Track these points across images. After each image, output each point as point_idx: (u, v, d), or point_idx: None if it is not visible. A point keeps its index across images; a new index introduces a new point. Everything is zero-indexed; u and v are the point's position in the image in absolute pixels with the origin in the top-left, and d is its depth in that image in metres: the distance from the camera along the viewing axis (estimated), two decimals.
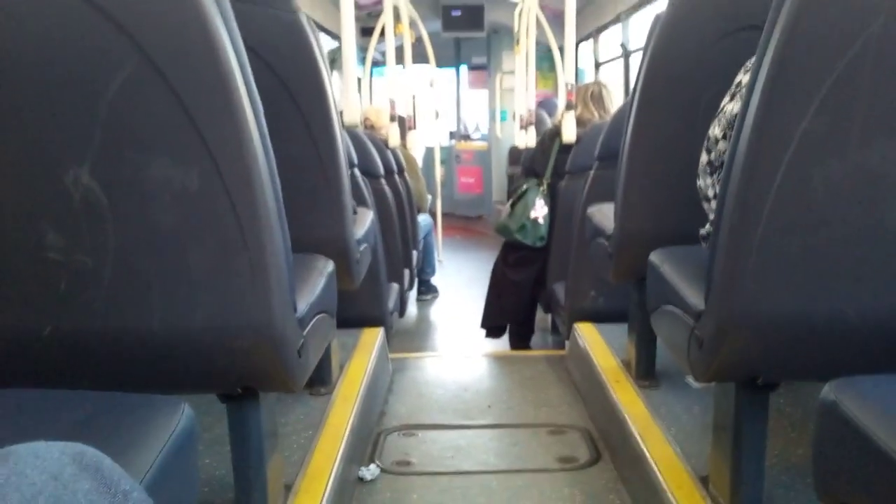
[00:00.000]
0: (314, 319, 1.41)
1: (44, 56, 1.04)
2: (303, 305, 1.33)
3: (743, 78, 1.45)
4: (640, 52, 1.94)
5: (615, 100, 3.53)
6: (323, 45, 1.92)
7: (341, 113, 2.28)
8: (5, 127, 1.06)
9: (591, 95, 3.50)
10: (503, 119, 8.82)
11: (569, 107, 3.30)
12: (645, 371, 2.15)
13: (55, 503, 0.46)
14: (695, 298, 1.35)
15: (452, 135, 9.81)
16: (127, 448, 0.82)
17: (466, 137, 9.72)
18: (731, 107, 1.46)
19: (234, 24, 1.10)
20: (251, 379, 1.30)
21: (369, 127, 4.53)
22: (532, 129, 5.34)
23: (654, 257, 1.65)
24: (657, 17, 1.85)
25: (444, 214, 6.46)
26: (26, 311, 1.13)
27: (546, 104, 6.22)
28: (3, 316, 1.13)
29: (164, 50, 1.04)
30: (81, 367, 1.18)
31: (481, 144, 9.46)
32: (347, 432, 1.86)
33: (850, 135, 1.11)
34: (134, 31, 1.02)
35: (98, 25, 1.02)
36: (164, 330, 1.14)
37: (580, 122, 3.37)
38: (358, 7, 5.47)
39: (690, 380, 2.06)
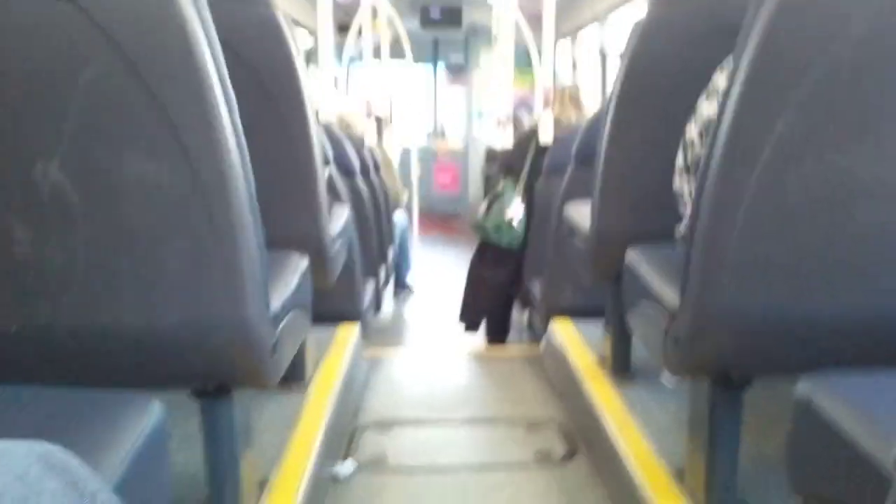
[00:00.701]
0: (288, 316, 1.39)
1: (14, 48, 1.02)
2: (276, 302, 1.32)
3: (718, 78, 1.46)
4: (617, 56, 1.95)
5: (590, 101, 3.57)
6: (301, 40, 1.90)
7: (317, 112, 2.27)
8: None
9: (569, 97, 3.52)
10: (479, 117, 8.84)
11: (545, 106, 3.32)
12: (621, 367, 2.16)
13: None
14: (670, 296, 1.36)
15: (430, 135, 9.80)
16: (96, 447, 0.80)
17: (442, 134, 9.71)
18: (706, 107, 1.47)
19: (209, 19, 1.09)
20: (224, 375, 1.28)
21: (345, 125, 4.51)
22: (509, 129, 5.35)
23: (631, 255, 1.66)
24: (637, 23, 1.87)
25: (420, 213, 6.44)
26: None
27: (525, 104, 6.24)
28: None
29: (138, 44, 1.03)
30: (50, 363, 1.16)
31: (459, 143, 9.46)
32: (323, 429, 1.85)
33: (825, 137, 1.12)
34: (107, 25, 1.01)
35: (70, 18, 1.00)
36: (135, 326, 1.12)
37: (557, 123, 3.39)
38: (335, 4, 5.43)
39: (665, 380, 2.08)
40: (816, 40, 1.08)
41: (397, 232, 4.68)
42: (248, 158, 1.16)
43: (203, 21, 1.07)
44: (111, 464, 0.78)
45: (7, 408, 0.91)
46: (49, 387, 0.97)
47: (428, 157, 9.18)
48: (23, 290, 1.09)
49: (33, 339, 1.12)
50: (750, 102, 1.12)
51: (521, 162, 3.48)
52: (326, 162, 2.48)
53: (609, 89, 2.08)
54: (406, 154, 6.17)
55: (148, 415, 0.89)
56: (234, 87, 1.14)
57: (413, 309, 4.94)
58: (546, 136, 3.28)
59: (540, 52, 4.22)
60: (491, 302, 3.57)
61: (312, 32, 6.12)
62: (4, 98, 1.04)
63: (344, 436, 2.12)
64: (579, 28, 6.24)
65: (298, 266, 1.60)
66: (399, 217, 4.81)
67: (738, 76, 1.13)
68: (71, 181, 1.05)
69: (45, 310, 1.10)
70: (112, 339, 1.14)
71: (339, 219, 2.21)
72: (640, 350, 2.12)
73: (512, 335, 3.67)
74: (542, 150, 3.36)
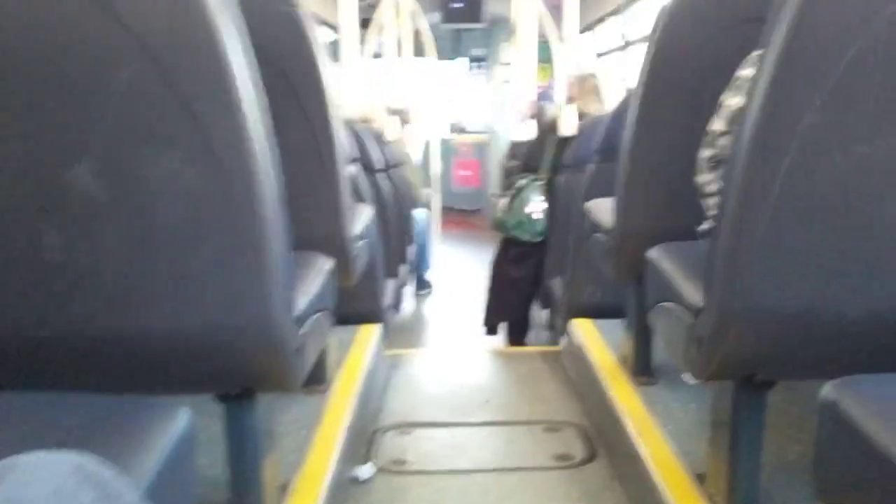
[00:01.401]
0: (312, 318, 1.40)
1: (46, 53, 1.03)
2: (301, 304, 1.33)
3: (742, 73, 1.45)
4: (641, 44, 1.93)
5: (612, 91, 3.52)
6: (322, 36, 1.90)
7: (340, 107, 2.27)
8: (5, 124, 1.05)
9: (590, 87, 3.47)
10: (502, 110, 8.80)
11: (570, 99, 3.28)
12: (642, 368, 2.15)
13: None
14: (694, 295, 1.35)
15: (452, 127, 9.78)
16: (126, 454, 0.81)
17: (463, 130, 9.69)
18: (731, 101, 1.46)
19: (241, 19, 1.09)
20: (249, 379, 1.29)
21: (366, 120, 4.52)
22: (532, 122, 5.32)
23: (653, 253, 1.65)
24: (663, 9, 1.84)
25: (441, 208, 6.44)
26: (25, 312, 1.12)
27: (547, 95, 6.19)
28: (1, 318, 1.12)
29: (168, 47, 1.03)
30: (80, 369, 1.17)
31: (480, 137, 9.43)
32: (343, 431, 1.86)
33: (856, 128, 1.10)
34: (138, 28, 1.01)
35: (102, 23, 1.01)
36: (163, 330, 1.13)
37: (579, 115, 3.35)
38: None
39: (687, 377, 2.06)
40: (845, 30, 1.06)
41: (418, 229, 4.69)
42: (277, 161, 1.17)
43: (235, 23, 1.07)
44: (141, 470, 0.80)
45: (38, 415, 0.93)
46: (78, 393, 0.99)
47: (448, 151, 9.17)
48: (54, 295, 1.11)
49: (63, 345, 1.13)
50: (778, 94, 1.10)
51: (541, 156, 3.46)
52: (349, 160, 2.48)
53: (631, 80, 2.06)
54: (427, 149, 6.17)
55: (177, 421, 0.91)
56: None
57: (433, 307, 4.95)
58: (568, 129, 3.25)
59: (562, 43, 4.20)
60: (515, 300, 3.55)
61: (333, 27, 6.13)
62: (37, 104, 1.05)
63: (364, 438, 2.13)
64: (601, 20, 6.20)
65: (323, 267, 1.61)
66: (419, 214, 4.82)
67: (766, 67, 1.11)
68: (102, 185, 1.06)
69: (75, 315, 1.12)
70: (139, 342, 1.15)
71: (361, 219, 2.22)
72: (661, 350, 2.11)
73: (531, 335, 3.66)
74: (563, 144, 3.33)
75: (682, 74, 1.80)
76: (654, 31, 1.84)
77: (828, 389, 0.97)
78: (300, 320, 1.30)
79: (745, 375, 1.37)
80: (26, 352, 1.14)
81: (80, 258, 1.09)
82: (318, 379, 2.07)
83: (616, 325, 2.44)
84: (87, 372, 1.18)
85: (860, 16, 1.05)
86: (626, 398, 2.02)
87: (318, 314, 1.46)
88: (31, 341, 1.12)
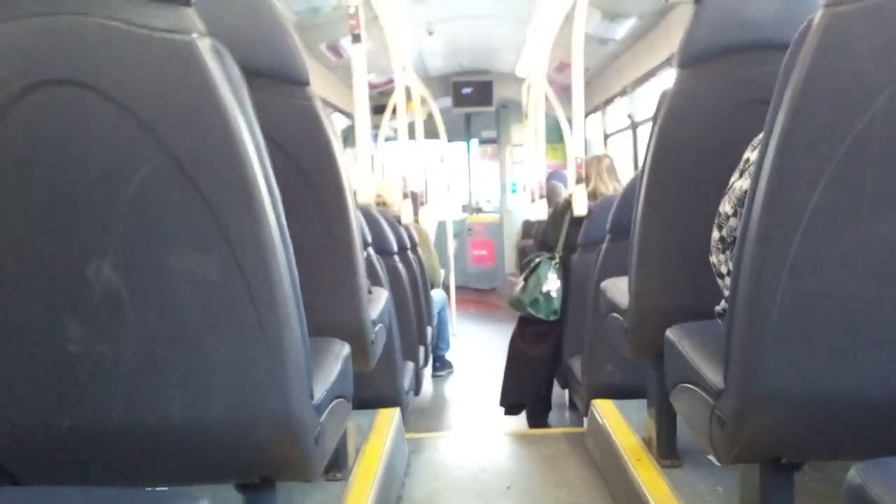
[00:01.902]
0: (331, 405, 1.40)
1: (67, 152, 1.06)
2: (320, 392, 1.33)
3: (751, 155, 1.47)
4: (649, 123, 1.96)
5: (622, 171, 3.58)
6: (336, 123, 1.95)
7: (355, 193, 2.32)
8: (28, 222, 1.08)
9: (605, 167, 3.53)
10: (514, 192, 8.93)
11: (579, 180, 3.33)
12: (666, 449, 2.10)
13: None
14: (714, 376, 1.33)
15: (465, 208, 9.92)
16: None
17: (478, 210, 9.81)
18: (740, 183, 1.48)
19: (253, 116, 1.13)
20: (268, 468, 1.28)
21: (381, 203, 4.59)
22: (544, 202, 5.38)
23: (671, 333, 1.64)
24: (664, 93, 1.88)
25: (457, 287, 6.46)
26: (45, 403, 1.13)
27: (557, 175, 6.29)
28: (23, 410, 1.12)
29: (185, 143, 1.06)
30: (100, 460, 1.17)
31: (493, 217, 9.54)
32: None
33: (861, 207, 1.11)
34: (155, 126, 1.04)
35: (120, 122, 1.04)
36: (183, 421, 1.14)
37: (594, 195, 3.39)
38: (370, 86, 5.61)
39: (713, 457, 2.02)
40: (846, 112, 1.08)
41: (435, 309, 4.69)
42: (291, 250, 1.19)
43: (247, 119, 1.10)
44: None
45: None
46: (98, 487, 0.99)
47: (463, 231, 9.26)
48: (74, 386, 1.12)
49: (83, 436, 1.14)
50: (782, 177, 1.12)
51: (555, 235, 3.49)
52: (365, 245, 2.52)
53: (640, 158, 2.08)
54: (442, 229, 6.23)
55: None
56: (275, 178, 1.16)
57: (453, 388, 4.90)
58: (580, 209, 3.29)
59: (571, 125, 4.29)
60: (533, 379, 3.52)
61: (348, 115, 6.31)
62: (58, 200, 1.08)
63: None
64: (608, 101, 6.34)
65: (340, 353, 1.61)
66: (436, 294, 4.83)
67: (770, 150, 1.13)
68: (122, 279, 1.08)
69: (95, 406, 1.12)
70: (159, 433, 1.15)
71: (378, 303, 2.23)
72: (685, 431, 2.07)
73: (552, 415, 3.60)
74: (576, 223, 3.36)
75: (686, 155, 1.82)
76: (656, 113, 1.88)
77: (853, 474, 0.94)
78: (319, 408, 1.30)
79: (772, 458, 1.34)
80: (46, 443, 1.14)
81: (101, 350, 1.10)
82: (337, 466, 2.04)
83: (638, 405, 2.40)
84: (107, 463, 1.17)
85: (860, 98, 1.07)
86: (652, 483, 1.97)
87: (337, 401, 1.45)
88: (51, 433, 1.12)
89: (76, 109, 1.05)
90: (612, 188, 3.45)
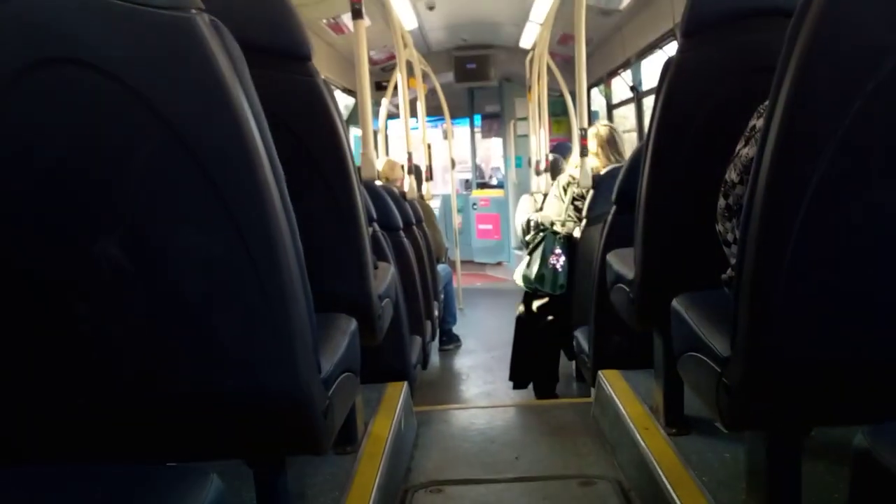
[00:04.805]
0: (339, 379, 1.41)
1: (68, 130, 1.06)
2: (327, 366, 1.34)
3: (756, 122, 1.46)
4: (653, 94, 1.94)
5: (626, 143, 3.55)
6: (338, 100, 1.95)
7: (359, 169, 2.31)
8: (34, 202, 1.09)
9: (605, 140, 3.51)
10: (518, 165, 8.90)
11: (583, 153, 3.32)
12: (674, 418, 2.11)
13: None
14: (720, 345, 1.34)
15: (468, 183, 9.90)
16: None
17: (484, 185, 9.79)
18: (746, 151, 1.47)
19: (253, 91, 1.13)
20: (278, 443, 1.30)
21: (385, 179, 4.59)
22: (547, 175, 5.37)
23: (677, 303, 1.64)
24: (668, 61, 1.87)
25: (463, 262, 6.46)
26: (58, 384, 1.14)
27: (561, 148, 6.26)
28: (32, 389, 1.14)
29: (186, 120, 1.06)
30: (109, 438, 1.18)
31: (498, 191, 9.52)
32: (374, 491, 1.84)
33: (867, 176, 1.10)
34: (156, 103, 1.04)
35: (121, 99, 1.04)
36: (192, 398, 1.15)
37: (595, 168, 3.38)
38: (372, 62, 5.58)
39: (721, 424, 2.03)
40: (851, 79, 1.07)
41: (441, 284, 4.70)
42: (295, 227, 1.19)
43: (246, 90, 1.10)
44: None
45: (71, 488, 0.94)
46: (108, 465, 1.00)
47: (467, 206, 9.25)
48: (84, 364, 1.13)
49: (93, 414, 1.15)
50: (788, 145, 1.11)
51: (559, 209, 3.49)
52: (370, 220, 2.52)
53: (645, 129, 2.07)
54: (446, 204, 6.23)
55: (206, 488, 0.91)
56: (280, 154, 1.17)
57: (460, 362, 4.92)
58: (584, 182, 3.28)
59: (574, 97, 4.26)
60: (541, 352, 3.54)
61: (351, 93, 6.28)
62: (63, 179, 1.08)
63: (396, 498, 2.10)
64: (612, 74, 6.28)
65: (347, 328, 1.62)
66: (442, 269, 4.84)
67: (776, 118, 1.12)
68: (128, 257, 1.08)
69: (106, 384, 1.14)
70: (168, 410, 1.16)
71: (384, 278, 2.24)
72: (692, 399, 2.08)
73: (560, 386, 3.63)
74: (580, 196, 3.36)
75: (691, 124, 1.80)
76: (660, 82, 1.86)
77: (860, 437, 0.95)
78: (327, 382, 1.31)
79: (779, 424, 1.35)
80: (55, 421, 1.16)
81: (109, 328, 1.11)
82: (347, 439, 2.06)
83: (645, 375, 2.41)
84: (116, 441, 1.19)
85: (865, 65, 1.06)
86: (660, 450, 1.99)
87: (345, 375, 1.46)
88: (61, 411, 1.14)
89: (77, 87, 1.05)
90: (613, 160, 3.42)
